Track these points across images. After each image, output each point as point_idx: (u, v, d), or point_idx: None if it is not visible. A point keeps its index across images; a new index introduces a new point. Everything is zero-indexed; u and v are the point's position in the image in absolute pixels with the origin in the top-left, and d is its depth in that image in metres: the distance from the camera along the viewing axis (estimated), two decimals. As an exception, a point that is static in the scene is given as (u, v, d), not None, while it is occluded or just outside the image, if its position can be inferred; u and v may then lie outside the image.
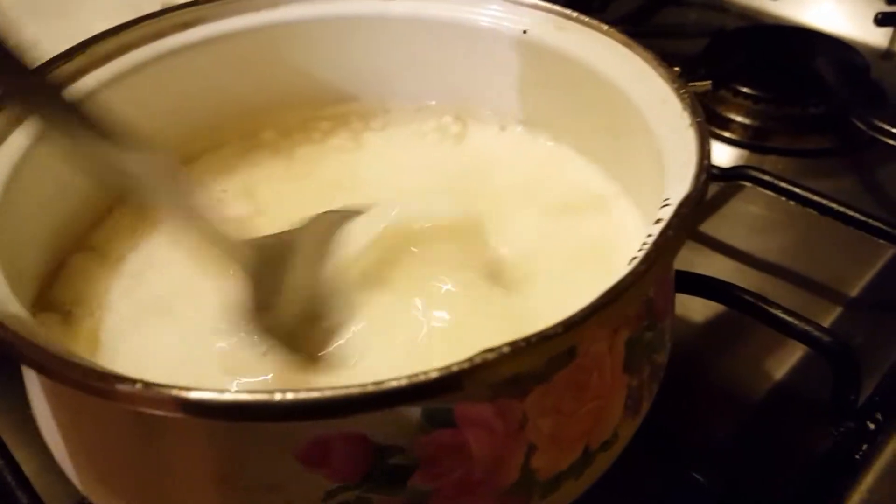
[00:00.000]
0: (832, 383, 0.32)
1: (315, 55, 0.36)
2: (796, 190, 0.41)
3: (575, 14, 0.32)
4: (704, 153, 0.24)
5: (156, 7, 0.34)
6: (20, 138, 0.27)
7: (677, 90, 0.27)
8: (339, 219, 0.28)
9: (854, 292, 0.41)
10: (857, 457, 0.31)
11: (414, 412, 0.20)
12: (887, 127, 0.44)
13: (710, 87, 0.37)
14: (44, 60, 0.29)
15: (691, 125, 0.26)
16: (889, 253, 0.42)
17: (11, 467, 0.30)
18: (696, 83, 0.35)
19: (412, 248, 0.26)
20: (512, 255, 0.29)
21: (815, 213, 0.40)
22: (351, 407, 0.18)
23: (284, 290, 0.26)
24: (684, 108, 0.26)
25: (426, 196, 0.31)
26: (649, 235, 0.22)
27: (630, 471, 0.27)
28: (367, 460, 0.20)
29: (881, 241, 0.39)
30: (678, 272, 0.33)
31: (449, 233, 0.27)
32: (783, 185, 0.41)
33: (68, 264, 0.30)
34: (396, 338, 0.25)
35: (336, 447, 0.20)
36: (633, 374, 0.24)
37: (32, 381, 0.24)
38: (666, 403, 0.28)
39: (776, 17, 0.64)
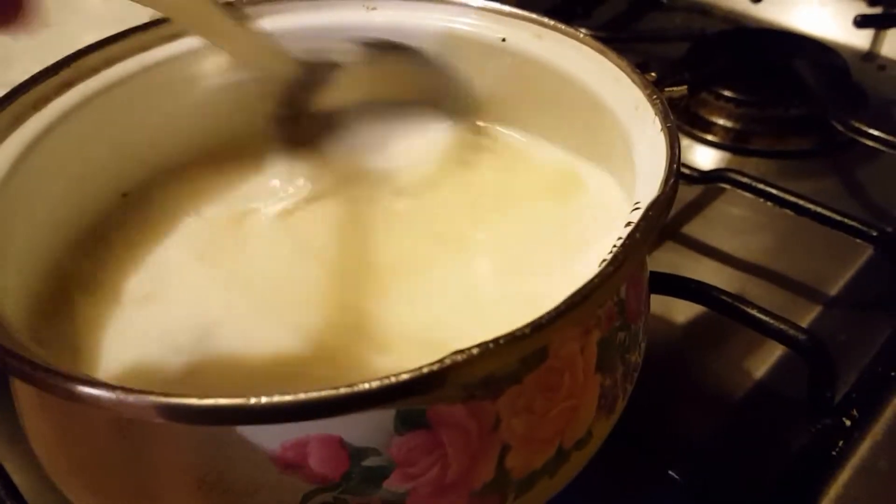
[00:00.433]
0: (808, 380, 0.33)
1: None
2: (773, 191, 0.42)
3: (552, 22, 0.33)
4: (674, 157, 0.25)
5: (143, 20, 0.34)
6: (20, 138, 0.28)
7: (649, 96, 0.28)
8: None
9: (833, 291, 0.41)
10: (834, 453, 0.31)
11: (388, 414, 0.21)
12: (865, 128, 0.45)
13: (686, 91, 0.37)
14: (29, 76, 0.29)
15: (661, 130, 0.26)
16: (867, 253, 0.42)
17: (1, 477, 0.30)
18: (672, 88, 0.36)
19: None
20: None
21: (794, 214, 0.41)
22: (324, 409, 0.19)
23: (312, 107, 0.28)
24: (656, 114, 0.27)
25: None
26: (619, 238, 0.22)
27: (608, 469, 0.27)
28: (343, 462, 0.21)
29: (859, 240, 0.40)
30: (655, 273, 0.34)
31: None
32: (761, 186, 0.42)
33: (61, 273, 0.30)
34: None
35: (312, 449, 0.21)
36: (607, 374, 0.25)
37: (18, 389, 0.25)
38: (645, 402, 0.28)
39: (758, 21, 0.64)
